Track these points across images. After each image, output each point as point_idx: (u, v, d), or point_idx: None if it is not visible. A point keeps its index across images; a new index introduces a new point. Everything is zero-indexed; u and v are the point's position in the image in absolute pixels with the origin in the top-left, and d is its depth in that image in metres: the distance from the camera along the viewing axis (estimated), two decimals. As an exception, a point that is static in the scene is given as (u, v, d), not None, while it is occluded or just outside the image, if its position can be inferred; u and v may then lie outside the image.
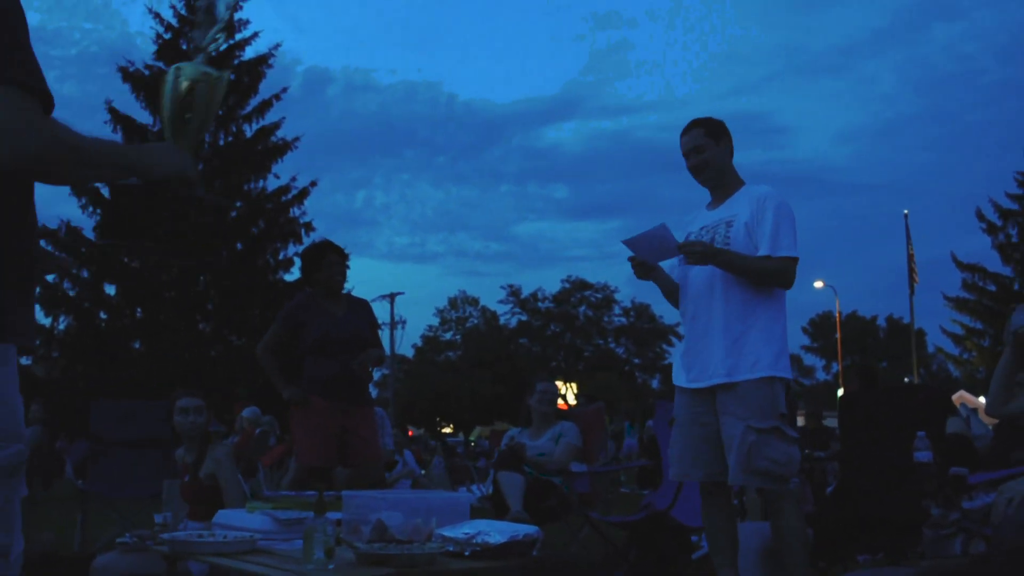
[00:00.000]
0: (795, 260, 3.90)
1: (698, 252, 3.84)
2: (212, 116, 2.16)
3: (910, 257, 30.19)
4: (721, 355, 3.87)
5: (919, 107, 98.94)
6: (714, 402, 3.92)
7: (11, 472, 1.78)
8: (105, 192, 23.49)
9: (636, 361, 63.55)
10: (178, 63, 2.15)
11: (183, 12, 24.99)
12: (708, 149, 4.07)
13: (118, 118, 24.30)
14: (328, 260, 5.67)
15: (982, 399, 22.66)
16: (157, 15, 25.03)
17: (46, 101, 1.75)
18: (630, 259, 4.08)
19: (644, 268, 4.10)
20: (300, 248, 23.97)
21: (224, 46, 2.19)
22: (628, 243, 4.01)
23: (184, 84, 2.10)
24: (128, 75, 24.49)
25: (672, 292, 4.23)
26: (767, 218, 3.89)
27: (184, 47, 24.57)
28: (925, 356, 53.58)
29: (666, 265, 4.19)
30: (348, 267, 5.89)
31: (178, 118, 2.10)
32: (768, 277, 3.90)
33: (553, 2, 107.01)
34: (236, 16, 24.74)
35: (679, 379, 4.10)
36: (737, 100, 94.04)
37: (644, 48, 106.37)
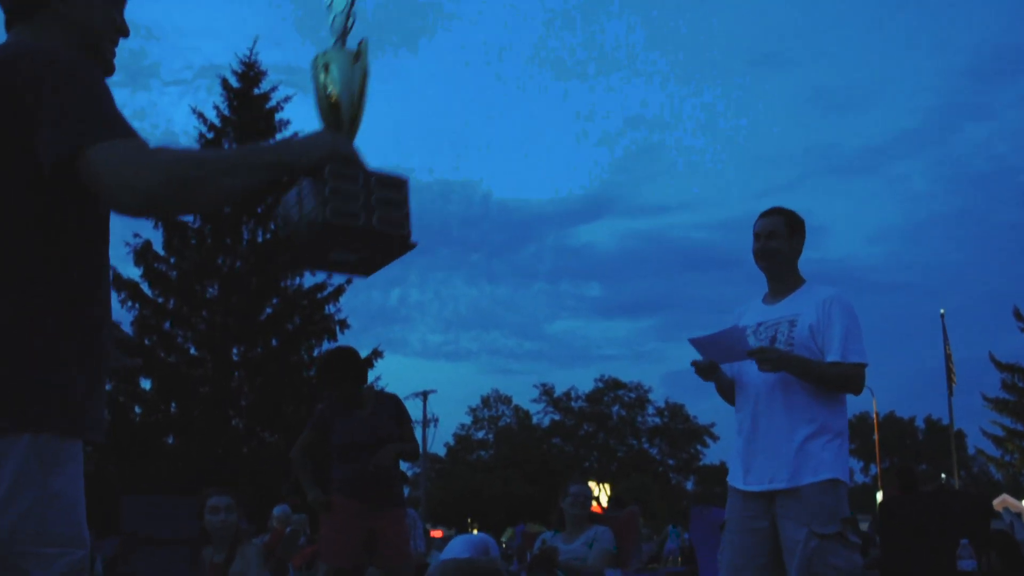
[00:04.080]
0: (865, 366, 3.82)
1: (773, 360, 3.74)
2: (363, 99, 1.96)
3: (948, 357, 29.83)
4: (786, 459, 3.76)
5: (952, 206, 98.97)
6: (771, 506, 3.80)
7: None
8: (145, 288, 23.84)
9: (671, 462, 62.76)
10: (323, 51, 2.00)
11: (226, 112, 25.59)
12: (781, 239, 4.01)
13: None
14: (336, 377, 5.60)
15: (1026, 504, 22.10)
16: (201, 115, 25.63)
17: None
18: (694, 363, 3.98)
19: (709, 370, 3.99)
20: (334, 345, 24.11)
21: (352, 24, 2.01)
22: (696, 343, 3.92)
23: (325, 64, 1.95)
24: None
25: (727, 389, 4.11)
26: (835, 322, 3.81)
27: (225, 146, 25.14)
28: (965, 458, 52.57)
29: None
30: (363, 373, 5.74)
31: (329, 108, 1.95)
32: (839, 384, 3.82)
33: (585, 103, 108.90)
34: (277, 117, 25.35)
35: (735, 480, 3.96)
36: (769, 200, 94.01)
37: (675, 148, 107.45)
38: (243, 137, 24.89)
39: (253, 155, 1.78)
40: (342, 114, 1.93)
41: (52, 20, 1.91)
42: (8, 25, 1.95)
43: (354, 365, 5.71)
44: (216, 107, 25.82)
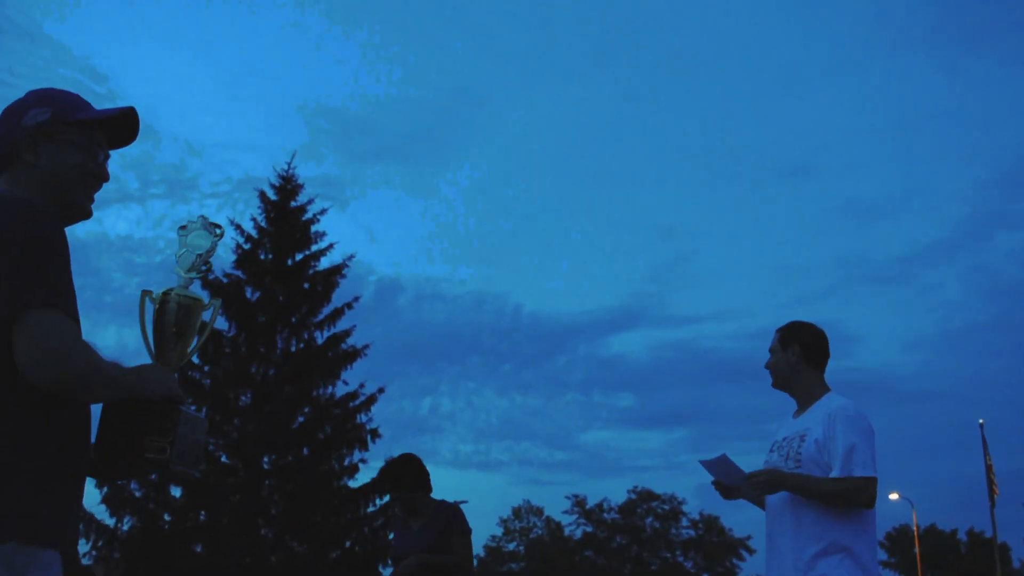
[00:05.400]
0: (873, 480, 3.66)
1: (763, 482, 3.76)
2: (200, 339, 2.24)
3: (988, 468, 29.22)
4: None
5: (986, 315, 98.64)
6: None
7: None
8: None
9: (705, 575, 61.33)
10: (169, 288, 2.23)
11: (263, 224, 26.05)
12: (775, 353, 4.03)
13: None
14: (393, 484, 5.65)
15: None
16: (238, 226, 26.04)
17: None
18: (712, 483, 4.05)
19: (728, 490, 4.05)
20: (365, 455, 24.16)
21: (204, 272, 2.33)
22: (705, 466, 3.96)
23: (173, 307, 2.19)
24: (207, 283, 25.29)
25: (762, 501, 4.11)
26: (838, 435, 3.71)
27: (261, 257, 25.57)
28: (1010, 571, 51.10)
29: None
30: (422, 480, 5.63)
31: (165, 339, 2.19)
32: (844, 499, 3.68)
33: (617, 215, 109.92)
34: (313, 229, 25.75)
35: None
36: (800, 310, 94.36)
37: (706, 259, 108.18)
38: (280, 249, 25.33)
39: (127, 380, 1.98)
40: (178, 348, 2.20)
41: (25, 171, 2.04)
42: None
43: (411, 472, 5.62)
44: (254, 219, 26.27)
